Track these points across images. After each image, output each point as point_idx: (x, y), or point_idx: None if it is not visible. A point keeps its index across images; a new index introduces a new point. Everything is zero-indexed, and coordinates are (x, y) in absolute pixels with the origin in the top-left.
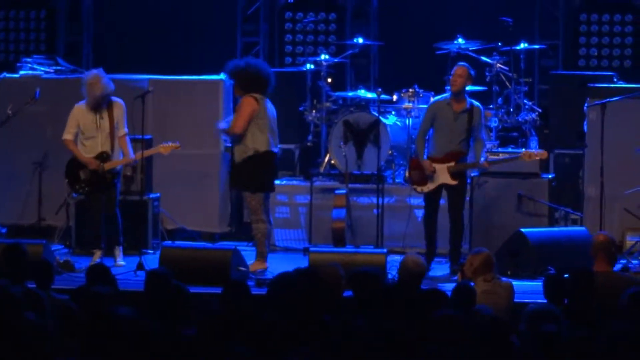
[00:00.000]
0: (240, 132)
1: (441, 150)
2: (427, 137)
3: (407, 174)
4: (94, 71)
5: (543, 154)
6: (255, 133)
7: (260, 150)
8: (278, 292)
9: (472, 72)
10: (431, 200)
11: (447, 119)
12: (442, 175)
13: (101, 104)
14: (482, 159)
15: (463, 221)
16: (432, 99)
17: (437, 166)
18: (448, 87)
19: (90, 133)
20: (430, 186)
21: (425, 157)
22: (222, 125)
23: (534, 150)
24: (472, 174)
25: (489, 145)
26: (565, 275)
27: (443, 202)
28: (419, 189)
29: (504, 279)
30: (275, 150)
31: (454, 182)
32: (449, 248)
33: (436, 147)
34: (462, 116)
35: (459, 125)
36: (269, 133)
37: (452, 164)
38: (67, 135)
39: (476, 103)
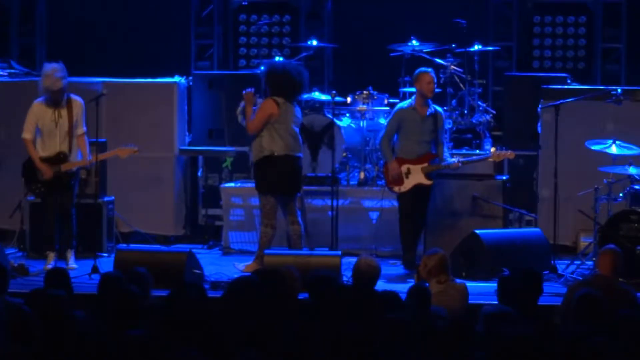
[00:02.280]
0: (252, 132)
1: (412, 153)
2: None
3: (386, 181)
4: (53, 64)
5: (510, 154)
6: (273, 136)
7: (277, 153)
8: (237, 295)
9: None
10: (407, 202)
11: (415, 122)
12: (417, 175)
13: (59, 100)
14: (454, 159)
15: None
16: (397, 106)
17: (412, 167)
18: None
19: (49, 131)
20: (407, 185)
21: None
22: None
23: (502, 151)
24: None
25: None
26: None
27: None
28: (396, 188)
29: (458, 280)
30: (296, 155)
31: (428, 182)
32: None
33: (405, 150)
34: (428, 119)
35: (426, 128)
36: (290, 138)
37: (426, 164)
38: (27, 135)
39: (438, 108)
